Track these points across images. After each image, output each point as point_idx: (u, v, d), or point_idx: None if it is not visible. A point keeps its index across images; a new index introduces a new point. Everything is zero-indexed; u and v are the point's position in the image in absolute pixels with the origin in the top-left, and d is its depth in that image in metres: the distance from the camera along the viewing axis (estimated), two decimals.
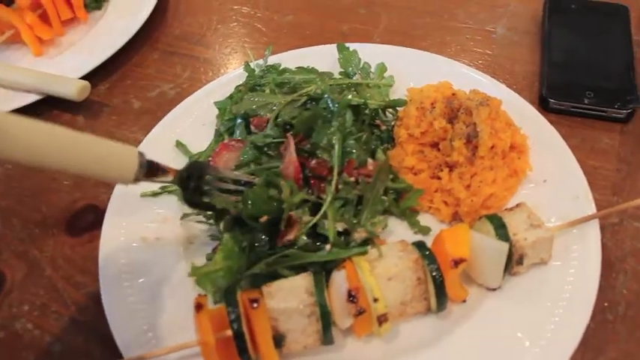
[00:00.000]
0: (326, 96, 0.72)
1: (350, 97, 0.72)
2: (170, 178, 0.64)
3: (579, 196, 0.71)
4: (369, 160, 0.68)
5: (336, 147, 0.65)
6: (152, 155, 0.77)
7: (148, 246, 0.72)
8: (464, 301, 0.65)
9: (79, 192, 0.81)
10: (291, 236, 0.64)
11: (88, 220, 0.78)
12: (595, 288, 0.64)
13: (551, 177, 0.74)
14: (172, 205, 0.75)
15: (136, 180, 0.60)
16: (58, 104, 0.89)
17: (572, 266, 0.66)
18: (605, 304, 0.67)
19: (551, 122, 0.81)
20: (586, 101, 0.82)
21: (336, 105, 0.70)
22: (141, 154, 0.61)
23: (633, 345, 0.64)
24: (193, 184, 0.64)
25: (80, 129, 0.85)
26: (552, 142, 0.76)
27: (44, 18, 0.97)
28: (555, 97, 0.82)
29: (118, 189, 0.76)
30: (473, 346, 0.62)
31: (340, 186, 0.64)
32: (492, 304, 0.65)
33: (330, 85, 0.77)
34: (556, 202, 0.71)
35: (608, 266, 0.69)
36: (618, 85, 0.83)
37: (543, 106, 0.84)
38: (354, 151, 0.66)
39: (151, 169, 0.62)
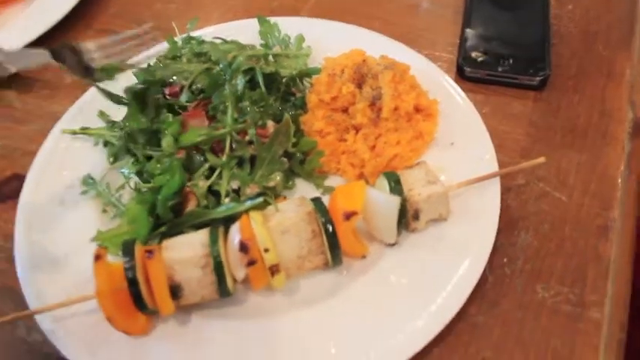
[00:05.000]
0: (222, 64, 0.74)
1: (242, 61, 0.74)
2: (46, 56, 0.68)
3: (483, 157, 0.73)
4: (269, 123, 0.70)
5: (229, 109, 0.67)
6: (76, 125, 0.81)
7: (64, 210, 0.74)
8: (364, 256, 0.67)
9: (7, 162, 0.83)
10: (191, 207, 0.67)
11: (12, 187, 0.80)
12: (489, 244, 0.66)
13: (459, 140, 0.76)
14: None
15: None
16: None
17: (470, 222, 0.68)
18: (505, 260, 0.69)
19: (467, 90, 0.84)
20: (500, 69, 0.84)
21: (228, 70, 0.72)
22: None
23: (527, 296, 0.66)
24: (75, 58, 0.68)
25: (10, 102, 0.90)
26: (462, 108, 0.78)
27: None
28: (471, 66, 0.85)
29: (39, 157, 0.78)
30: (367, 300, 0.64)
31: (234, 145, 0.67)
32: (390, 259, 0.67)
33: (249, 55, 0.79)
34: (462, 163, 0.74)
35: (511, 224, 0.72)
36: (532, 54, 0.85)
37: (460, 74, 0.86)
38: (248, 111, 0.68)
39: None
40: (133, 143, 0.70)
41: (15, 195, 0.77)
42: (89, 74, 0.70)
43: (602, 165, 0.76)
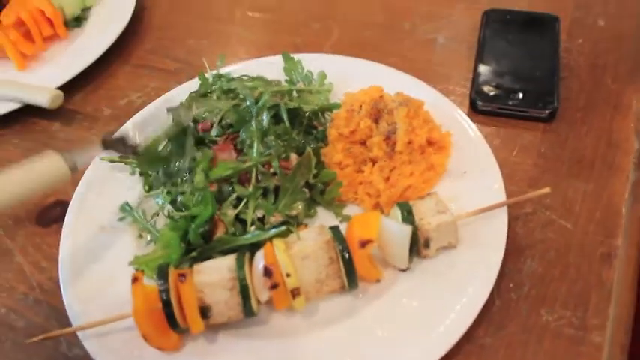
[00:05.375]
0: (248, 100, 0.80)
1: (268, 98, 0.80)
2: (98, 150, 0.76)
3: (492, 187, 0.78)
4: (292, 155, 0.76)
5: (255, 143, 0.73)
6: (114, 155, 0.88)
7: (103, 234, 0.81)
8: (378, 280, 0.72)
9: (51, 189, 0.90)
10: (219, 233, 0.73)
11: (56, 213, 0.87)
12: (495, 270, 0.70)
13: (470, 171, 0.81)
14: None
15: (74, 171, 0.71)
16: (36, 112, 0.99)
17: (478, 250, 0.73)
18: (511, 285, 0.73)
19: (479, 123, 0.89)
20: (510, 102, 0.89)
21: (254, 107, 0.78)
22: (66, 157, 0.72)
23: (532, 320, 0.70)
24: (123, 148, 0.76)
25: (55, 134, 0.98)
26: (473, 140, 0.83)
27: (27, 35, 1.07)
28: (482, 100, 0.90)
29: (81, 186, 0.85)
30: (381, 321, 0.69)
31: (259, 177, 0.73)
32: (403, 284, 0.72)
33: (272, 91, 0.85)
34: (472, 192, 0.78)
35: (518, 251, 0.76)
36: (541, 88, 0.90)
37: (473, 107, 0.91)
38: (272, 145, 0.74)
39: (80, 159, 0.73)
40: (169, 178, 0.76)
41: (59, 220, 0.84)
42: (135, 153, 0.78)
43: (608, 194, 0.80)
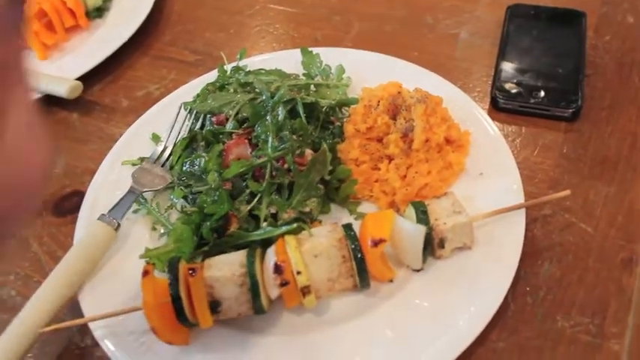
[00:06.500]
0: (264, 94, 0.79)
1: (284, 92, 0.79)
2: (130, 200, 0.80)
3: (511, 188, 0.76)
4: (307, 151, 0.75)
5: (270, 138, 0.72)
6: (131, 147, 0.88)
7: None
8: (391, 280, 0.71)
9: (68, 179, 0.91)
10: (233, 229, 0.72)
11: (72, 203, 0.87)
12: (511, 273, 0.69)
13: (488, 170, 0.79)
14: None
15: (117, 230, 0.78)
16: (56, 102, 1.00)
17: (494, 251, 0.71)
18: (527, 289, 0.71)
19: (500, 121, 0.88)
20: (532, 101, 0.87)
21: (270, 101, 0.77)
22: (107, 220, 0.77)
23: (547, 325, 0.68)
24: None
25: (73, 124, 0.98)
26: (493, 139, 0.81)
27: (49, 26, 1.08)
28: (504, 97, 0.88)
29: (97, 176, 0.86)
30: (393, 321, 0.68)
31: (274, 172, 0.72)
32: (417, 284, 0.71)
33: (289, 85, 0.84)
34: (489, 193, 0.76)
35: (535, 254, 0.74)
36: (565, 86, 0.87)
37: (494, 105, 0.89)
38: (287, 140, 0.73)
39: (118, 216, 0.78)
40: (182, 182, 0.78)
41: (75, 210, 0.84)
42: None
43: (630, 198, 0.78)
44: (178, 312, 0.65)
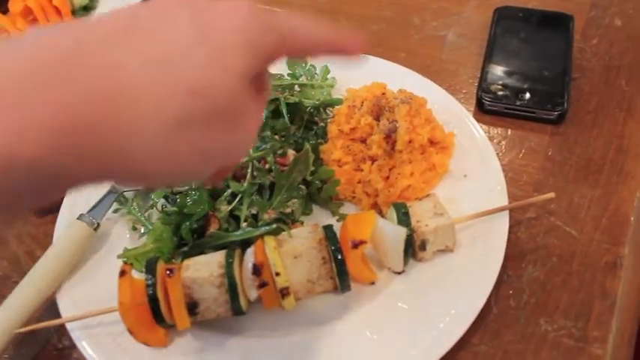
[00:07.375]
0: None
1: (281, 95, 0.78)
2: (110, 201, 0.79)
3: (494, 190, 0.76)
4: (290, 151, 0.74)
5: None
6: None
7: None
8: (372, 283, 0.70)
9: None
10: (213, 229, 0.71)
11: (53, 202, 0.86)
12: (494, 276, 0.68)
13: (472, 172, 0.78)
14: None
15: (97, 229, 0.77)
16: None
17: (477, 254, 0.70)
18: (510, 292, 0.71)
19: (486, 123, 0.87)
20: (518, 103, 0.86)
21: None
22: (87, 219, 0.77)
23: (530, 328, 0.68)
24: None
25: None
26: (477, 140, 0.81)
27: (34, 24, 1.06)
28: (490, 99, 0.87)
29: None
30: (373, 324, 0.67)
31: (255, 173, 0.71)
32: (398, 287, 0.70)
33: (273, 84, 0.84)
34: (473, 195, 0.76)
35: (519, 257, 0.73)
36: (551, 88, 0.87)
37: (480, 107, 0.88)
38: (267, 141, 0.72)
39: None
40: None
41: (55, 210, 0.83)
42: None
43: (615, 201, 0.77)
44: (155, 313, 0.64)
